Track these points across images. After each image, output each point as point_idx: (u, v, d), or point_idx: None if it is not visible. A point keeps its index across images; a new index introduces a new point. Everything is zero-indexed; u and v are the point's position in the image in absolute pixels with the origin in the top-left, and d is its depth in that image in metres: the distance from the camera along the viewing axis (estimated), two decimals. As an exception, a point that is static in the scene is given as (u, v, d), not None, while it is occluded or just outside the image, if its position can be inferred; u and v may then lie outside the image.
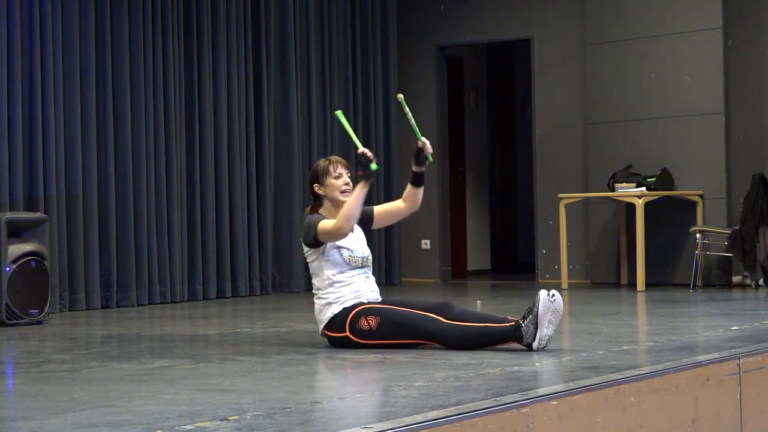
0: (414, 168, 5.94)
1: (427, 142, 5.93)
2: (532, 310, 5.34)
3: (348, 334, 5.64)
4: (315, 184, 5.88)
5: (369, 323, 5.60)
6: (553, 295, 5.36)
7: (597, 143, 10.93)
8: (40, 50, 8.63)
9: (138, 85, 9.28)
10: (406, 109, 6.09)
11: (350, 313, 5.64)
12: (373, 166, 5.69)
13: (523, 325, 5.36)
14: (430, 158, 5.95)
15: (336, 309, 5.68)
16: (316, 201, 5.90)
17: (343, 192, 5.80)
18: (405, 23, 11.94)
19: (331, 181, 5.83)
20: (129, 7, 9.26)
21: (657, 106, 10.62)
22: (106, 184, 9.07)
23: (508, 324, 5.43)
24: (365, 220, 5.98)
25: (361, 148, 5.76)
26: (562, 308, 5.37)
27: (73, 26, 8.87)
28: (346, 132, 6.05)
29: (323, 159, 5.98)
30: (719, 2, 10.36)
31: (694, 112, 10.44)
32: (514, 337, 5.39)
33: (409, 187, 6.02)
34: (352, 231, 5.84)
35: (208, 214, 9.86)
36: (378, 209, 6.09)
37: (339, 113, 6.13)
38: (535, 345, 5.33)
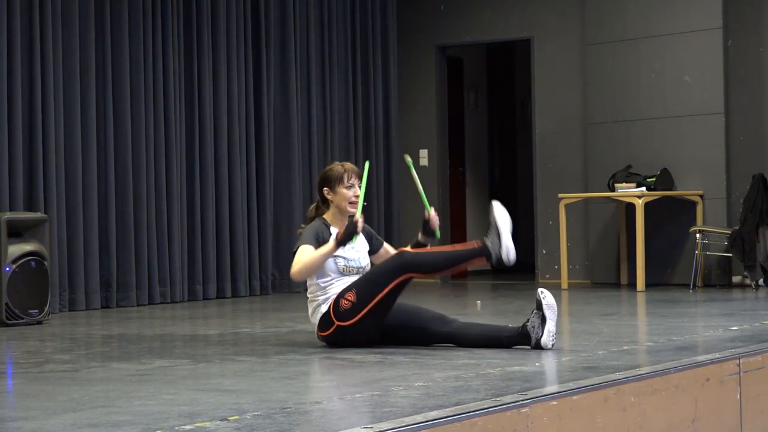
0: (420, 238, 5.89)
1: (434, 215, 5.89)
2: (491, 221, 5.41)
3: (336, 323, 5.61)
4: (325, 188, 5.83)
5: (348, 299, 5.58)
6: (543, 291, 5.42)
7: (597, 143, 10.93)
8: (40, 50, 8.63)
9: (138, 85, 9.28)
10: (414, 172, 6.03)
11: (333, 304, 5.63)
12: (354, 239, 5.62)
13: (488, 242, 5.42)
14: (438, 233, 5.91)
15: (324, 308, 5.67)
16: (323, 203, 5.87)
17: (351, 203, 5.78)
18: (405, 23, 11.95)
19: (342, 190, 5.78)
20: (129, 7, 9.26)
21: (657, 106, 10.62)
22: (106, 185, 9.07)
23: (473, 246, 5.47)
24: (372, 246, 5.93)
25: (357, 216, 5.63)
26: (554, 304, 5.41)
27: (73, 26, 8.87)
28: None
29: (338, 164, 5.89)
30: (719, 2, 10.37)
31: (694, 112, 10.44)
32: (481, 254, 5.46)
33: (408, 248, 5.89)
34: (366, 238, 5.86)
35: (208, 214, 9.86)
36: (384, 249, 5.99)
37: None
38: (504, 255, 5.39)
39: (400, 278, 5.54)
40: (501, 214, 5.47)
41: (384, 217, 11.45)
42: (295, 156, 10.56)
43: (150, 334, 7.10)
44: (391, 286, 5.54)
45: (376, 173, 11.42)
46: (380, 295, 5.55)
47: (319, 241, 5.68)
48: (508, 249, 5.41)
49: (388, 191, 11.58)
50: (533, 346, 5.38)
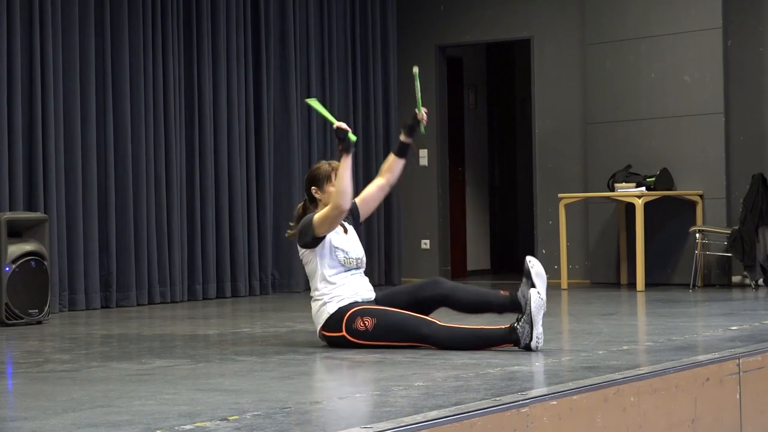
0: (403, 138, 6.03)
1: (425, 114, 5.99)
2: (524, 311, 5.34)
3: (344, 333, 5.63)
4: (313, 187, 5.85)
5: (365, 324, 5.60)
6: (530, 260, 5.41)
7: (597, 143, 10.93)
8: (40, 50, 8.63)
9: (138, 85, 9.28)
10: (417, 83, 6.08)
11: (346, 313, 5.64)
12: (352, 136, 5.71)
13: (518, 327, 5.35)
14: (423, 129, 5.98)
15: (331, 309, 5.67)
16: (311, 203, 5.87)
17: None
18: (405, 23, 11.95)
19: (330, 188, 5.79)
20: (129, 7, 9.26)
21: (657, 106, 10.62)
22: (106, 185, 9.07)
23: (503, 327, 5.42)
24: (353, 216, 5.98)
25: (336, 123, 5.78)
26: (543, 272, 5.39)
27: (73, 26, 8.87)
28: (321, 114, 6.04)
29: (325, 163, 5.92)
30: (719, 2, 10.37)
31: (694, 112, 10.44)
32: (510, 340, 5.38)
33: (392, 157, 6.08)
34: (349, 216, 5.86)
35: (208, 214, 9.86)
36: (359, 199, 6.08)
37: (311, 101, 6.10)
38: (533, 345, 5.32)
39: (417, 343, 5.57)
40: (537, 303, 5.33)
41: (384, 218, 11.44)
42: (295, 156, 10.56)
43: (150, 334, 7.10)
44: (405, 343, 5.58)
45: (375, 174, 11.39)
46: (392, 343, 5.59)
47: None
48: (538, 341, 5.34)
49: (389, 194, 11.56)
50: (522, 348, 5.37)
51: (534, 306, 5.32)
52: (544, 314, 5.37)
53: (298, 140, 10.62)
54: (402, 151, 6.06)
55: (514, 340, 5.36)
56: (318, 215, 5.67)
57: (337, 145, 5.79)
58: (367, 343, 5.59)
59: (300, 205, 5.98)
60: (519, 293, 5.42)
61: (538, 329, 5.33)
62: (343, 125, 5.76)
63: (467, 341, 5.46)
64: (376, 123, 11.48)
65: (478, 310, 5.68)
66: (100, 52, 9.11)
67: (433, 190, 11.87)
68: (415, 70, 6.12)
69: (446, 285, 5.74)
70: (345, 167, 5.65)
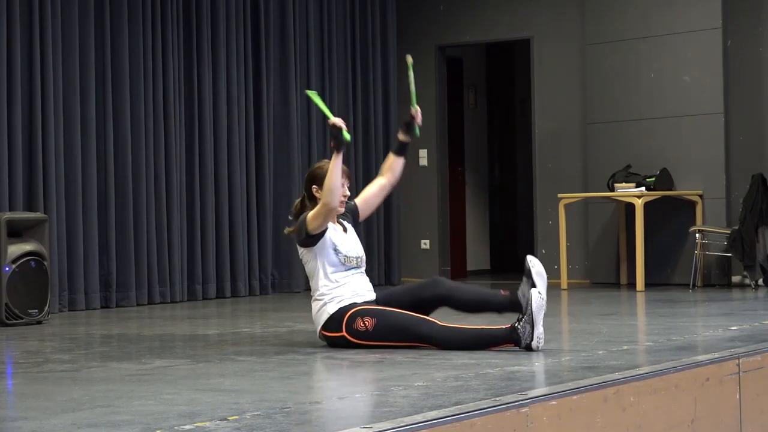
0: (400, 137, 6.06)
1: (419, 112, 5.98)
2: (525, 311, 5.34)
3: (345, 334, 5.63)
4: (313, 186, 5.84)
5: (365, 324, 5.60)
6: (531, 260, 5.40)
7: (596, 143, 10.93)
8: (40, 50, 8.62)
9: (138, 85, 9.28)
10: (411, 73, 6.08)
11: (346, 314, 5.63)
12: (346, 135, 5.71)
13: (519, 326, 5.35)
14: (418, 131, 5.99)
15: (331, 309, 5.67)
16: (311, 201, 5.86)
17: (341, 203, 5.78)
18: (405, 23, 11.95)
19: None
20: (129, 7, 9.26)
21: (657, 106, 10.62)
22: (106, 185, 9.07)
23: (504, 327, 5.42)
24: (354, 216, 5.98)
25: (332, 119, 5.77)
26: (544, 272, 5.40)
27: (73, 26, 8.87)
28: (319, 108, 6.04)
29: (326, 161, 5.89)
30: (719, 2, 10.37)
31: (694, 112, 10.44)
32: (511, 340, 5.38)
33: (391, 156, 6.09)
34: (348, 215, 5.86)
35: (208, 214, 9.86)
36: (360, 199, 6.09)
37: (311, 93, 6.10)
38: (534, 345, 5.32)
39: (417, 344, 5.57)
40: (537, 302, 5.33)
41: (384, 218, 11.44)
42: (295, 156, 10.56)
43: (150, 334, 7.10)
44: (405, 343, 5.58)
45: (375, 174, 11.39)
46: (392, 343, 5.59)
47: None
48: (539, 341, 5.34)
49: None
50: (522, 348, 5.37)
51: (535, 306, 5.32)
52: (544, 314, 5.37)
53: (298, 140, 10.62)
54: (401, 150, 6.08)
55: (515, 340, 5.36)
56: (311, 214, 5.67)
57: (329, 141, 5.77)
58: (368, 343, 5.59)
59: (298, 200, 5.96)
60: (519, 292, 5.41)
61: (539, 329, 5.33)
62: (339, 122, 5.76)
63: (468, 341, 5.46)
64: (376, 123, 11.48)
65: (478, 309, 5.69)
66: (100, 52, 9.11)
67: (433, 190, 11.87)
68: (409, 59, 6.12)
69: (446, 285, 5.74)
70: (335, 165, 5.66)
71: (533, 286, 5.36)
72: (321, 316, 5.72)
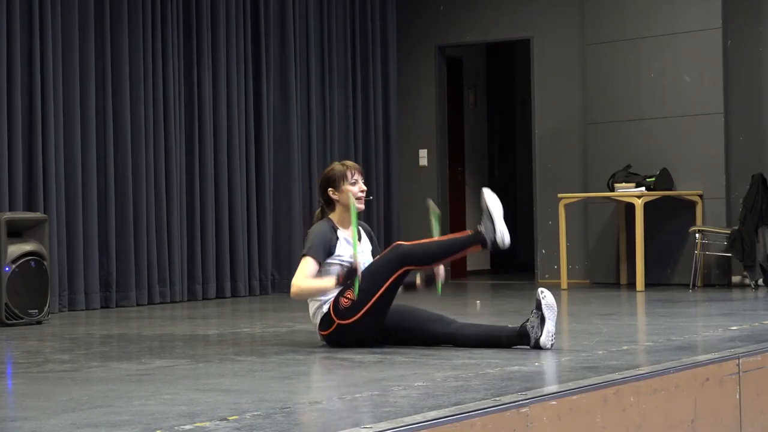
0: (417, 284, 5.82)
1: (442, 267, 5.81)
2: (482, 207, 5.44)
3: (337, 321, 5.60)
4: (329, 189, 5.81)
5: (348, 297, 5.58)
6: (543, 291, 5.42)
7: (596, 143, 10.93)
8: (40, 51, 8.62)
9: (138, 85, 9.28)
10: (434, 219, 5.88)
11: (332, 303, 5.63)
12: (356, 281, 5.55)
13: (481, 229, 5.44)
14: (440, 289, 5.81)
15: (326, 308, 5.67)
16: (329, 206, 5.84)
17: (358, 199, 5.76)
18: (405, 23, 11.95)
19: (347, 186, 5.76)
20: (129, 8, 9.26)
21: (657, 106, 10.62)
22: (106, 185, 9.07)
23: (468, 233, 5.50)
24: (372, 246, 5.94)
25: (357, 264, 5.57)
26: (554, 303, 5.40)
27: (73, 27, 8.87)
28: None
29: (339, 163, 5.88)
30: (719, 2, 10.37)
31: (694, 112, 10.45)
32: (477, 240, 5.47)
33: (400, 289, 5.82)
34: (371, 237, 5.88)
35: (208, 214, 9.86)
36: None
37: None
38: (498, 239, 5.39)
39: (398, 272, 5.54)
40: (492, 200, 5.50)
41: (384, 218, 11.44)
42: (295, 156, 10.56)
43: (150, 334, 7.11)
44: (389, 281, 5.55)
45: (375, 174, 11.42)
46: (379, 291, 5.55)
47: (326, 251, 5.67)
48: (503, 233, 5.43)
49: (388, 191, 11.58)
50: (532, 346, 5.39)
51: (489, 203, 5.48)
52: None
53: (298, 141, 10.62)
54: (407, 288, 5.84)
55: (481, 241, 5.46)
56: (300, 268, 5.60)
57: (339, 273, 5.59)
58: (361, 315, 5.53)
59: (318, 211, 5.93)
60: (528, 324, 5.41)
61: (549, 325, 5.35)
62: (359, 270, 5.55)
63: (436, 253, 5.55)
64: (376, 123, 11.48)
65: (486, 345, 5.59)
66: (100, 53, 9.11)
67: (433, 190, 11.86)
68: (432, 207, 5.93)
69: (454, 325, 5.69)
70: (323, 289, 5.58)
71: (543, 319, 5.36)
72: (317, 317, 5.72)
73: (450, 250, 5.56)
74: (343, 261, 5.68)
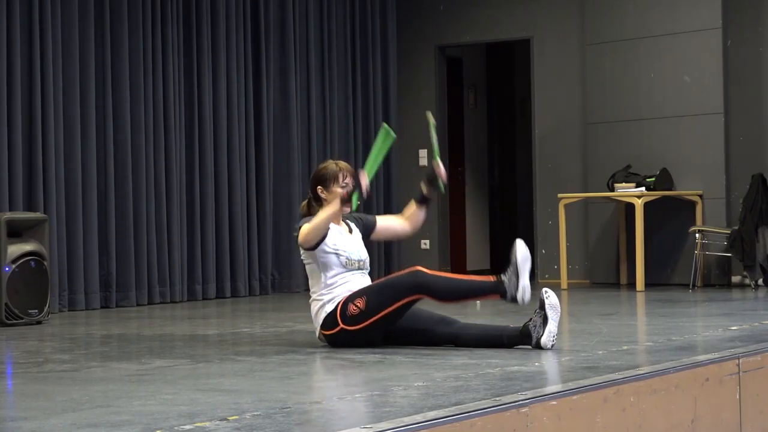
0: (424, 190, 5.92)
1: (442, 167, 5.86)
2: (510, 260, 5.39)
3: (342, 326, 5.61)
4: (319, 187, 5.83)
5: (357, 306, 5.58)
6: (547, 291, 5.41)
7: (596, 143, 10.93)
8: (40, 50, 8.63)
9: (138, 85, 9.28)
10: (432, 129, 5.91)
11: (340, 306, 5.63)
12: (356, 198, 5.60)
13: (504, 278, 5.41)
14: (442, 187, 5.87)
15: (329, 308, 5.67)
16: (316, 201, 5.86)
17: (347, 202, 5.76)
18: (405, 23, 11.95)
19: (336, 189, 5.76)
20: (129, 7, 9.26)
21: (656, 106, 10.62)
22: (106, 185, 9.07)
23: (492, 279, 5.46)
24: (366, 228, 5.96)
25: (364, 185, 5.59)
26: (558, 304, 5.39)
27: (73, 26, 8.87)
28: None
29: (332, 162, 5.89)
30: (719, 2, 10.37)
31: (694, 112, 10.44)
32: (497, 291, 5.43)
33: (413, 205, 5.99)
34: (360, 223, 5.86)
35: (208, 214, 9.86)
36: (381, 222, 6.04)
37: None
38: (519, 296, 5.37)
39: (410, 298, 5.56)
40: (522, 255, 5.42)
41: (384, 214, 11.43)
42: (295, 156, 10.56)
43: (150, 334, 7.11)
44: (400, 303, 5.56)
45: (375, 176, 11.40)
46: (388, 310, 5.57)
47: None
48: (524, 291, 5.38)
49: (388, 191, 11.58)
50: (534, 346, 5.39)
51: (519, 258, 5.42)
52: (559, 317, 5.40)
53: (298, 141, 10.62)
54: (422, 201, 5.96)
55: (501, 292, 5.40)
56: (303, 228, 5.64)
57: (343, 193, 5.63)
58: (366, 325, 5.55)
59: (304, 203, 5.96)
60: (531, 324, 5.42)
61: (524, 281, 5.38)
62: (365, 185, 5.58)
63: (458, 288, 5.51)
64: (376, 122, 11.47)
65: (488, 345, 5.60)
66: (100, 52, 9.11)
67: (432, 190, 11.84)
68: (430, 118, 5.97)
69: (456, 324, 5.70)
70: (333, 213, 5.59)
71: (545, 319, 5.37)
72: (319, 316, 5.71)
73: (469, 294, 5.54)
74: (338, 250, 5.69)
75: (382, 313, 5.56)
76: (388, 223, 6.08)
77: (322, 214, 5.60)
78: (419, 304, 5.82)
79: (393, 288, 5.57)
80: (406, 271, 5.66)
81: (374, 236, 6.05)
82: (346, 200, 5.61)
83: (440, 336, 5.64)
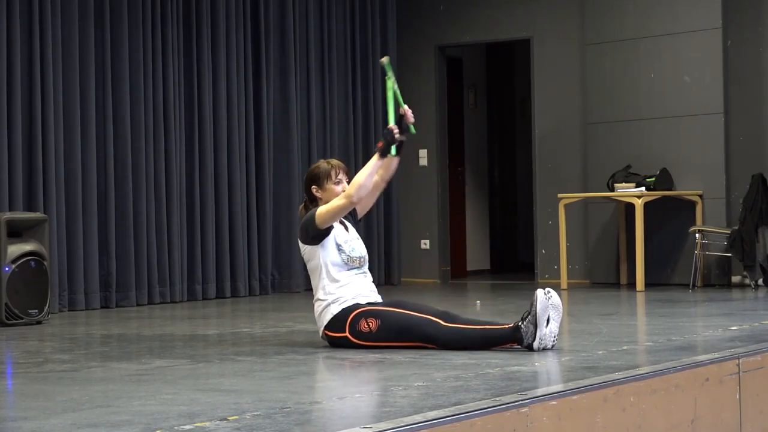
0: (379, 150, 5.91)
1: (409, 110, 5.92)
2: (530, 311, 5.35)
3: (347, 335, 5.64)
4: (313, 186, 5.84)
5: (369, 325, 5.60)
6: (549, 291, 5.38)
7: (596, 143, 10.93)
8: (40, 50, 8.63)
9: (138, 85, 9.28)
10: (390, 73, 5.93)
11: (350, 315, 5.63)
12: (393, 150, 5.74)
13: (522, 326, 5.36)
14: (413, 128, 5.92)
15: (335, 309, 5.67)
16: (312, 202, 5.87)
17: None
18: (405, 23, 11.95)
19: (330, 186, 5.79)
20: (129, 7, 9.26)
21: (656, 106, 10.62)
22: (106, 185, 9.07)
23: (507, 326, 5.42)
24: (352, 215, 5.97)
25: (392, 123, 5.79)
26: (560, 304, 5.38)
27: (73, 27, 8.87)
28: (390, 88, 5.92)
29: (324, 161, 5.93)
30: (719, 2, 10.37)
31: (694, 112, 10.44)
32: (514, 339, 5.39)
33: (376, 157, 5.96)
34: (347, 214, 5.85)
35: (208, 214, 9.86)
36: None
37: (388, 67, 5.96)
38: (535, 345, 5.33)
39: (422, 344, 5.55)
40: (542, 307, 5.32)
41: (384, 218, 11.44)
42: (295, 156, 10.56)
43: (150, 334, 7.11)
44: (409, 343, 5.57)
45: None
46: (396, 344, 5.58)
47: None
48: (541, 342, 5.33)
49: (388, 191, 11.57)
50: (524, 347, 5.38)
51: (539, 307, 5.32)
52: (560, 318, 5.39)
53: (298, 141, 10.62)
54: (397, 149, 5.99)
55: (517, 339, 5.36)
56: (322, 207, 5.66)
57: (377, 142, 5.74)
58: (370, 344, 5.59)
59: (301, 206, 5.97)
60: (523, 328, 5.39)
61: (543, 330, 5.33)
62: (396, 131, 5.74)
63: (471, 341, 5.46)
64: (376, 122, 11.48)
65: (484, 347, 5.58)
66: (100, 52, 9.11)
67: (432, 190, 11.86)
68: (385, 60, 5.99)
69: (450, 327, 5.67)
70: (374, 165, 5.72)
71: (536, 325, 5.34)
72: (324, 317, 5.71)
73: (486, 342, 5.47)
74: (340, 245, 5.71)
75: (390, 344, 5.58)
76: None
77: (369, 167, 5.70)
78: (419, 301, 5.84)
79: (410, 332, 5.56)
80: (429, 317, 5.56)
81: (360, 212, 6.04)
82: (383, 152, 5.71)
83: (434, 341, 5.61)
